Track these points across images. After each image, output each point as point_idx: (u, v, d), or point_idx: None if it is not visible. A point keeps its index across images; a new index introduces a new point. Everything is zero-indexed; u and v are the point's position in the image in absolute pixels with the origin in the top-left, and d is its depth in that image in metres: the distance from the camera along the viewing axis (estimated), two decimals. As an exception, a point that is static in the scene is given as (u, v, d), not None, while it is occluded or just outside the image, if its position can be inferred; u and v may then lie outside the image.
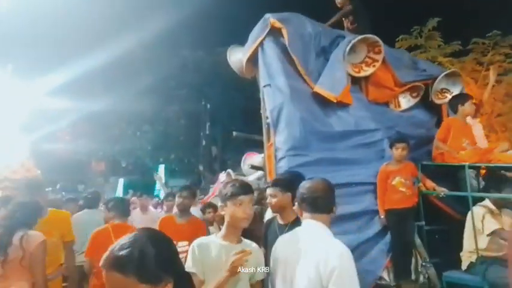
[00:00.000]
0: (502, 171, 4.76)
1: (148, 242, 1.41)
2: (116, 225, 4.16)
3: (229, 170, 5.69)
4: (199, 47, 21.24)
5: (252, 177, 6.01)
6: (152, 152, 21.61)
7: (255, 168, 5.72)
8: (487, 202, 4.34)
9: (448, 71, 5.98)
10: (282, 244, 2.42)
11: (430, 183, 4.79)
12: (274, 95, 4.96)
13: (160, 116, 21.31)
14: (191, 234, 4.09)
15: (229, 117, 20.97)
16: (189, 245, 4.01)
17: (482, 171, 4.99)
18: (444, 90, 6.02)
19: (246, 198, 2.41)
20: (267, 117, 5.16)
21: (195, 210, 7.87)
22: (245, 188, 2.45)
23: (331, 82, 5.04)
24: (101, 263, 1.38)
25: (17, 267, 3.06)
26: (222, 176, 7.90)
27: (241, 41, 6.08)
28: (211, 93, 20.95)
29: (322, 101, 5.02)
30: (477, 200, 4.43)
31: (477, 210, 4.26)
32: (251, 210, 2.42)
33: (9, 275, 3.06)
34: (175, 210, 7.38)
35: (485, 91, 5.66)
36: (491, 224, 4.08)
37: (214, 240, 2.43)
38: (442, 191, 4.68)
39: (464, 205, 4.82)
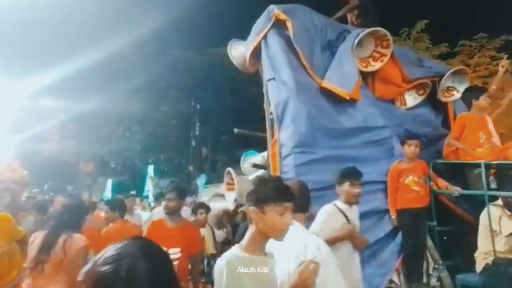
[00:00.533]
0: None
1: (139, 255, 1.13)
2: None
3: (229, 169, 5.42)
4: (189, 48, 21.06)
5: (252, 176, 5.77)
6: (141, 153, 21.29)
7: (256, 166, 5.47)
8: (500, 202, 4.17)
9: (455, 68, 5.81)
10: None
11: (442, 182, 4.62)
12: (278, 89, 4.76)
13: (150, 117, 21.04)
14: (183, 240, 3.86)
15: (219, 117, 20.79)
16: (181, 252, 3.79)
17: (492, 171, 4.82)
18: (450, 88, 5.85)
19: (290, 205, 1.96)
20: (270, 113, 4.95)
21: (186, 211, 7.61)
22: (290, 193, 1.99)
23: (340, 77, 4.83)
24: (80, 278, 1.12)
25: (57, 267, 3.26)
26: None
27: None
28: (201, 94, 20.73)
29: (329, 96, 4.82)
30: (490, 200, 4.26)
31: (493, 210, 4.08)
32: (291, 220, 2.00)
33: (49, 274, 3.24)
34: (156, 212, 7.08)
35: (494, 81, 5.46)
36: (509, 225, 3.90)
37: (238, 254, 1.94)
38: (456, 190, 4.51)
39: (474, 205, 4.66)
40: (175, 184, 4.35)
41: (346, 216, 3.43)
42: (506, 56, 5.21)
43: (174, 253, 3.78)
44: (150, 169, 20.46)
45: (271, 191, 1.93)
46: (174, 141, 21.80)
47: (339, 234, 3.32)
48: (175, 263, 3.76)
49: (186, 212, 7.18)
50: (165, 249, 3.79)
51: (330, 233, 3.28)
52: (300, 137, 4.45)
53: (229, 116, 19.98)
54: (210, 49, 20.31)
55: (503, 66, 5.23)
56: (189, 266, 4.07)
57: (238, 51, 5.70)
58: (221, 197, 6.51)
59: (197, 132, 20.95)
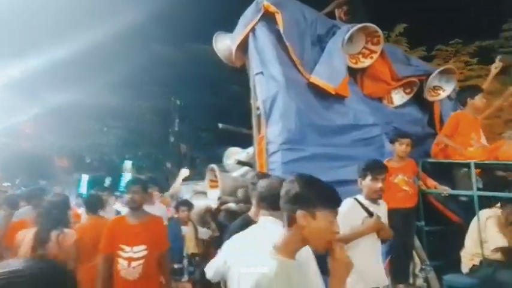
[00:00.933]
0: (501, 172, 4.62)
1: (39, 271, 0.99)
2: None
3: (213, 165, 5.23)
4: (170, 43, 20.72)
5: (236, 173, 5.62)
6: (119, 148, 20.84)
7: (241, 163, 5.32)
8: (496, 210, 4.12)
9: (443, 67, 5.79)
10: (238, 241, 2.22)
11: (431, 182, 4.56)
12: (267, 83, 4.61)
13: (128, 112, 20.61)
14: (148, 238, 3.67)
15: (199, 114, 20.55)
16: (146, 249, 3.58)
17: (477, 170, 4.79)
18: (437, 88, 5.83)
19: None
20: (257, 108, 4.81)
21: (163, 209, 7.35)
22: (339, 197, 1.76)
23: (329, 72, 4.72)
24: None
25: None
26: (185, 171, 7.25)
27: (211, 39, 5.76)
28: (182, 90, 20.46)
29: (319, 92, 4.69)
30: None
31: (482, 217, 4.04)
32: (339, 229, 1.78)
33: None
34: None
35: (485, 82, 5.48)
36: (497, 238, 3.87)
37: (282, 259, 1.69)
38: (445, 189, 4.46)
39: (461, 205, 4.64)
40: (137, 177, 4.28)
41: (368, 211, 3.22)
42: (499, 57, 5.20)
43: (139, 251, 3.59)
44: (128, 165, 20.05)
45: (324, 194, 1.71)
46: (153, 137, 21.43)
47: (362, 229, 3.14)
48: (141, 261, 3.57)
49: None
50: (128, 248, 3.64)
51: (351, 228, 3.10)
52: (288, 134, 4.31)
53: (210, 112, 19.74)
54: (191, 45, 20.05)
55: (496, 68, 5.22)
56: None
57: (224, 44, 5.52)
58: (203, 195, 6.32)
59: (176, 129, 20.68)
